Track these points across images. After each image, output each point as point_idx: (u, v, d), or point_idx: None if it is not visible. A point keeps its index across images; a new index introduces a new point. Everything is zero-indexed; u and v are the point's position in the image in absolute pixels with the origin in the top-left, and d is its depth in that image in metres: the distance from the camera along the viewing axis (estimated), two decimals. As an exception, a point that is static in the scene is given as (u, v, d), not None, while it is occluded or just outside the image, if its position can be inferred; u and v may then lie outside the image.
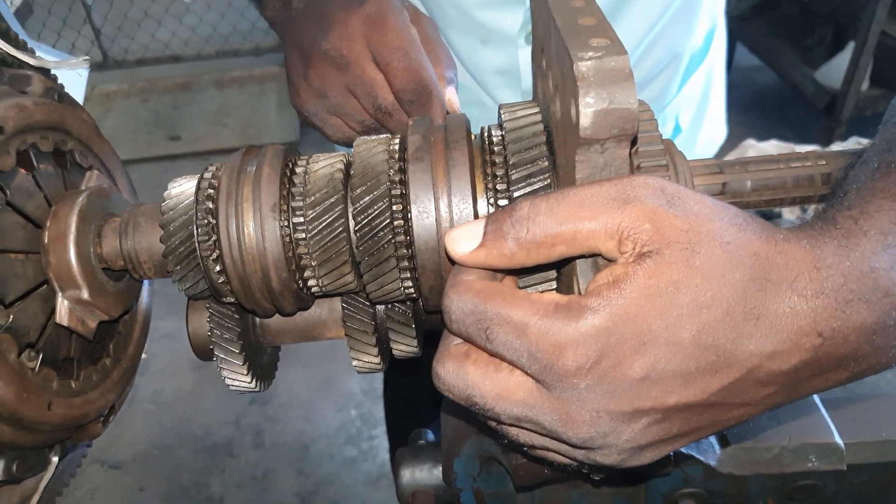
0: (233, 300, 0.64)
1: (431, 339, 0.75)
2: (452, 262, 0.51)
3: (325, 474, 2.65)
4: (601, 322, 0.44)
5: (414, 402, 1.79)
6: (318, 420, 2.82)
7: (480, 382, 0.48)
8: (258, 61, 4.49)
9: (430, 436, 0.89)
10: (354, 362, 0.70)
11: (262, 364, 0.73)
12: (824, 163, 0.64)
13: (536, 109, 0.61)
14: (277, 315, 0.69)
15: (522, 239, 0.47)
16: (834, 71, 3.81)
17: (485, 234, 0.49)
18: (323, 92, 0.75)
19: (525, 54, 1.02)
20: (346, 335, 0.69)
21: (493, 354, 0.48)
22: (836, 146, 3.29)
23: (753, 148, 2.27)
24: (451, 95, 0.74)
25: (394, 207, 0.58)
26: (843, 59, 3.74)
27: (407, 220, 0.58)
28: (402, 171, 0.59)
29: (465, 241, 0.50)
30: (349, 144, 0.80)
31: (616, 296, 0.44)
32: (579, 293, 0.51)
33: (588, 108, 0.45)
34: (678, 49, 1.11)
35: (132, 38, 4.66)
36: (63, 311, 0.62)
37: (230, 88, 4.60)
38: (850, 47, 3.69)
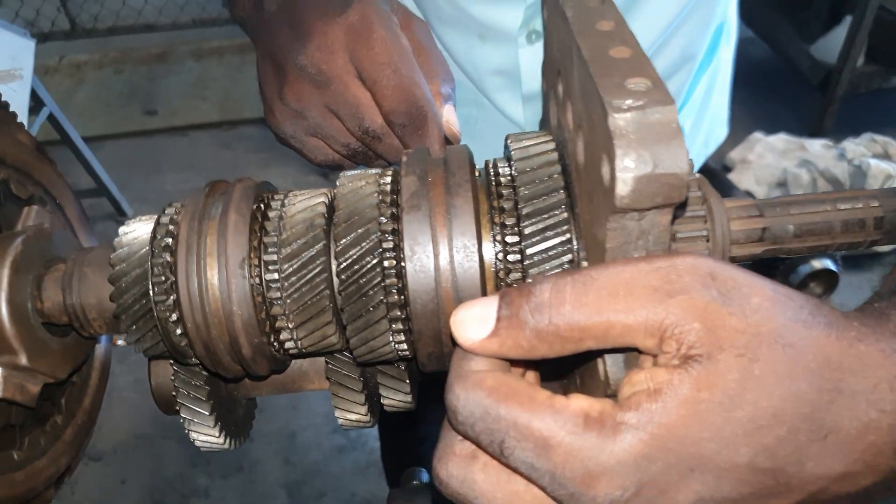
0: (198, 362, 0.55)
1: (427, 391, 0.67)
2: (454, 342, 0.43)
3: (312, 463, 2.59)
4: (641, 446, 0.36)
5: (409, 434, 1.74)
6: (305, 408, 2.75)
7: (490, 494, 0.40)
8: (238, 30, 4.25)
9: (425, 476, 0.82)
10: (340, 420, 0.62)
11: (236, 419, 0.65)
12: (877, 204, 0.55)
13: (552, 145, 0.52)
14: (251, 371, 0.61)
15: (544, 330, 0.39)
16: (830, 46, 3.71)
17: (498, 319, 0.40)
18: (301, 112, 0.65)
19: (526, 54, 0.93)
20: (331, 392, 0.60)
21: (512, 470, 0.40)
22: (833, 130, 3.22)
23: (761, 142, 2.17)
24: (448, 115, 0.65)
25: (385, 263, 0.50)
26: (839, 34, 3.64)
27: (401, 276, 0.50)
28: (396, 218, 0.50)
29: (474, 326, 0.41)
30: (333, 167, 0.71)
31: (658, 410, 0.36)
32: (607, 386, 0.43)
33: (627, 174, 0.37)
34: (693, 49, 1.01)
35: (102, 4, 4.45)
36: (-3, 379, 0.53)
37: (209, 59, 4.43)
38: (847, 21, 3.59)
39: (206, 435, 0.60)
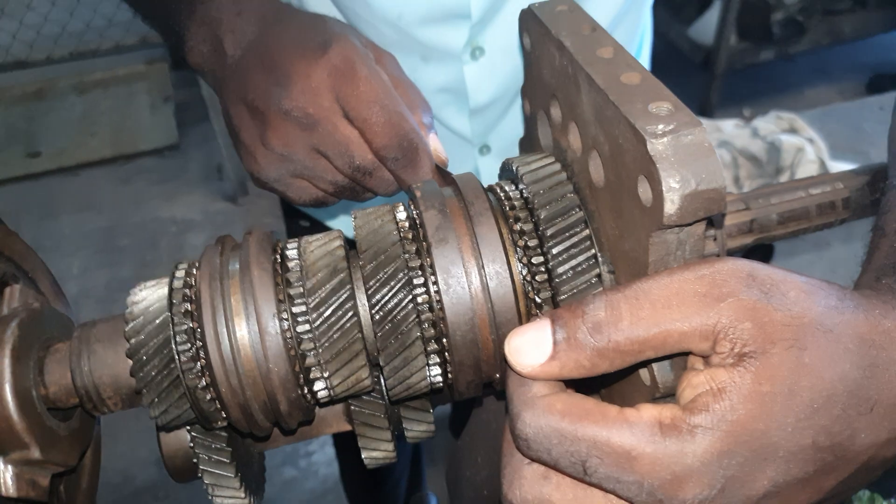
0: (224, 425, 0.54)
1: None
2: (489, 355, 0.44)
3: (266, 499, 2.51)
4: (720, 444, 0.38)
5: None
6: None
7: None
8: (122, 60, 4.10)
9: (434, 501, 0.82)
10: (367, 460, 0.62)
11: (254, 474, 0.63)
12: (842, 186, 0.61)
13: (558, 165, 0.54)
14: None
15: (605, 348, 0.40)
16: (705, 27, 3.94)
17: (555, 342, 0.42)
18: (287, 155, 0.64)
19: (471, 70, 0.94)
20: (357, 433, 0.60)
21: (590, 485, 0.41)
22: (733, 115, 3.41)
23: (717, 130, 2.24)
24: (434, 144, 0.66)
25: (419, 299, 0.50)
26: (712, 16, 3.87)
27: (435, 310, 0.50)
28: (421, 253, 0.51)
29: (531, 352, 0.42)
30: (317, 205, 0.70)
31: (727, 408, 0.39)
32: (655, 389, 0.45)
33: (674, 194, 0.39)
34: (637, 30, 1.06)
35: (-40, 43, 4.15)
36: (8, 479, 0.49)
37: (93, 93, 4.20)
38: (717, 5, 3.83)
39: (232, 497, 0.59)
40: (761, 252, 1.08)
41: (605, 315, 0.41)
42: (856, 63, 4.23)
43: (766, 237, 0.60)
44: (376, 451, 0.61)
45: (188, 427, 0.57)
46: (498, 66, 0.95)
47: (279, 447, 0.64)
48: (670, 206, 0.39)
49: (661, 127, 0.40)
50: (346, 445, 1.83)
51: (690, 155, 0.39)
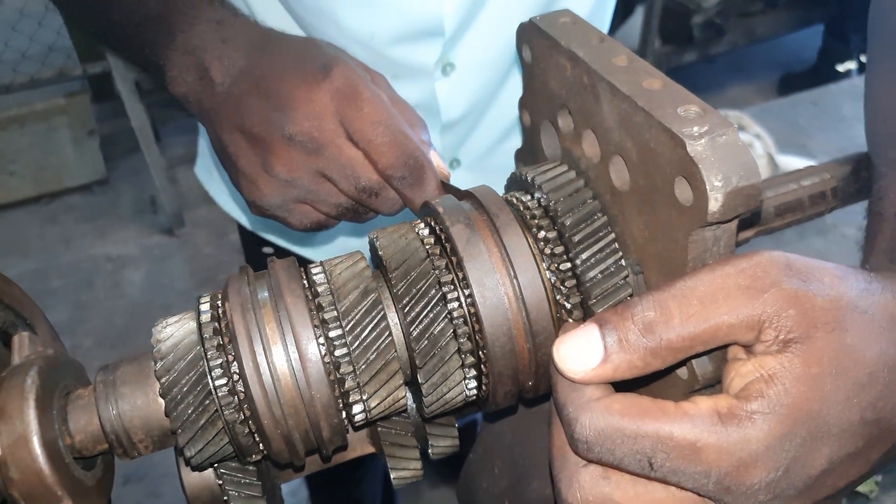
0: (258, 458, 0.52)
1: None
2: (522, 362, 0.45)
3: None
4: (780, 427, 0.40)
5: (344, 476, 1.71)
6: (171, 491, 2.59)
7: None
8: (38, 95, 3.93)
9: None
10: (395, 480, 0.61)
11: (278, 505, 0.62)
12: (829, 176, 0.64)
13: (573, 173, 0.55)
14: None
15: (657, 347, 0.42)
16: (630, 33, 4.09)
17: (606, 347, 0.43)
18: (291, 181, 0.63)
19: (443, 87, 0.95)
20: (385, 454, 0.59)
21: (656, 481, 0.42)
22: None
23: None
24: (435, 160, 0.66)
25: (454, 314, 0.50)
26: (635, 22, 4.02)
27: (470, 323, 0.50)
28: (451, 268, 0.51)
29: (582, 357, 0.43)
30: (318, 229, 0.69)
31: (781, 392, 0.40)
32: (695, 382, 0.47)
33: (717, 192, 0.41)
34: (602, 29, 1.09)
35: None
36: (47, 534, 0.47)
37: (9, 130, 4.00)
38: (640, 11, 3.98)
39: (263, 531, 0.57)
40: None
41: (655, 315, 0.42)
42: (769, 61, 4.46)
43: (764, 229, 0.62)
44: (405, 471, 0.61)
45: (215, 465, 0.56)
46: (469, 80, 0.96)
47: (308, 474, 0.63)
48: (714, 203, 0.41)
49: (696, 129, 0.42)
50: (318, 478, 1.81)
51: (728, 154, 0.41)
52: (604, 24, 1.11)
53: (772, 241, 1.40)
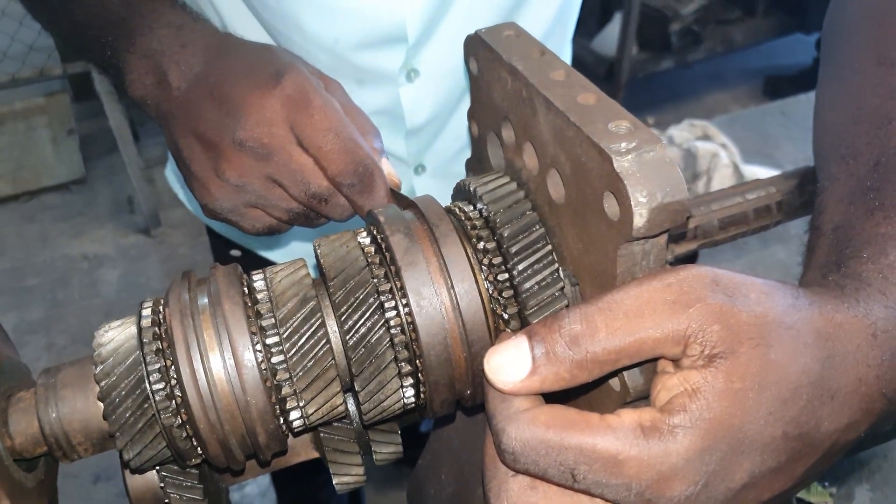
0: (198, 462, 0.53)
1: (407, 437, 0.68)
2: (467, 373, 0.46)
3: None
4: (700, 441, 0.40)
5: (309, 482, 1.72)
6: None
7: None
8: (17, 94, 3.89)
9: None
10: (338, 485, 0.62)
11: (224, 510, 0.62)
12: (775, 190, 0.66)
13: (514, 184, 0.56)
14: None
15: (583, 360, 0.42)
16: (607, 40, 4.11)
17: (534, 359, 0.43)
18: (242, 186, 0.64)
19: (407, 92, 0.96)
20: (328, 459, 0.60)
21: (581, 493, 0.43)
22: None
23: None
24: (386, 168, 0.67)
25: (391, 322, 0.51)
26: (613, 29, 4.05)
27: (407, 331, 0.51)
28: (389, 277, 0.52)
29: (512, 369, 0.44)
30: (271, 233, 0.70)
31: (703, 408, 0.41)
32: (626, 394, 0.47)
33: (641, 208, 0.41)
34: (564, 47, 1.10)
35: None
36: (-18, 536, 0.47)
37: (-12, 129, 3.99)
38: (618, 18, 4.00)
39: (206, 535, 0.58)
40: (686, 258, 1.14)
41: (581, 328, 0.42)
42: (748, 69, 4.51)
43: (708, 242, 0.64)
44: (347, 476, 0.61)
45: (157, 467, 0.56)
46: (433, 87, 0.97)
47: (252, 479, 0.64)
48: (639, 219, 0.42)
49: (623, 145, 0.43)
50: (285, 479, 1.81)
51: (654, 170, 0.42)
52: (567, 31, 1.12)
53: (733, 249, 1.43)
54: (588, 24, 4.35)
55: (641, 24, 3.93)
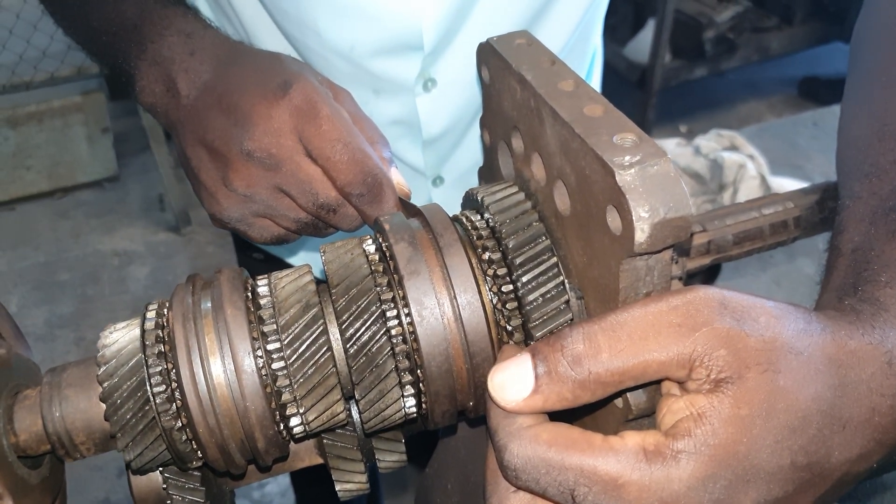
0: (199, 465, 0.53)
1: (413, 445, 0.68)
2: (468, 389, 0.45)
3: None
4: (704, 468, 0.39)
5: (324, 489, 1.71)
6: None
7: None
8: (56, 92, 3.98)
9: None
10: (341, 492, 0.61)
11: (227, 513, 0.63)
12: (793, 206, 0.64)
13: (522, 195, 0.56)
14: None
15: (585, 380, 0.41)
16: (640, 47, 4.07)
17: (537, 376, 0.43)
18: (250, 196, 0.64)
19: (424, 102, 0.96)
20: (330, 466, 0.60)
21: None
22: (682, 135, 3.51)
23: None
24: (396, 177, 0.67)
25: (392, 332, 0.51)
26: (646, 36, 4.01)
27: (409, 341, 0.51)
28: (392, 285, 0.52)
29: (515, 387, 0.43)
30: (279, 243, 0.70)
31: (708, 434, 0.40)
32: (628, 412, 0.46)
33: (643, 223, 0.41)
34: (588, 54, 1.09)
35: None
36: (-18, 531, 0.48)
37: (27, 126, 4.06)
38: (651, 24, 3.96)
39: (207, 537, 0.58)
40: (709, 270, 1.12)
41: (583, 348, 0.41)
42: (784, 77, 4.43)
43: (722, 257, 0.62)
44: (350, 484, 0.61)
45: (161, 468, 0.56)
46: (450, 97, 0.97)
47: (254, 483, 0.64)
48: (640, 234, 0.41)
49: (627, 158, 0.42)
50: (303, 479, 1.81)
51: (658, 185, 0.41)
52: (589, 40, 1.11)
53: (759, 262, 1.40)
54: (621, 30, 4.32)
55: (675, 31, 3.89)
